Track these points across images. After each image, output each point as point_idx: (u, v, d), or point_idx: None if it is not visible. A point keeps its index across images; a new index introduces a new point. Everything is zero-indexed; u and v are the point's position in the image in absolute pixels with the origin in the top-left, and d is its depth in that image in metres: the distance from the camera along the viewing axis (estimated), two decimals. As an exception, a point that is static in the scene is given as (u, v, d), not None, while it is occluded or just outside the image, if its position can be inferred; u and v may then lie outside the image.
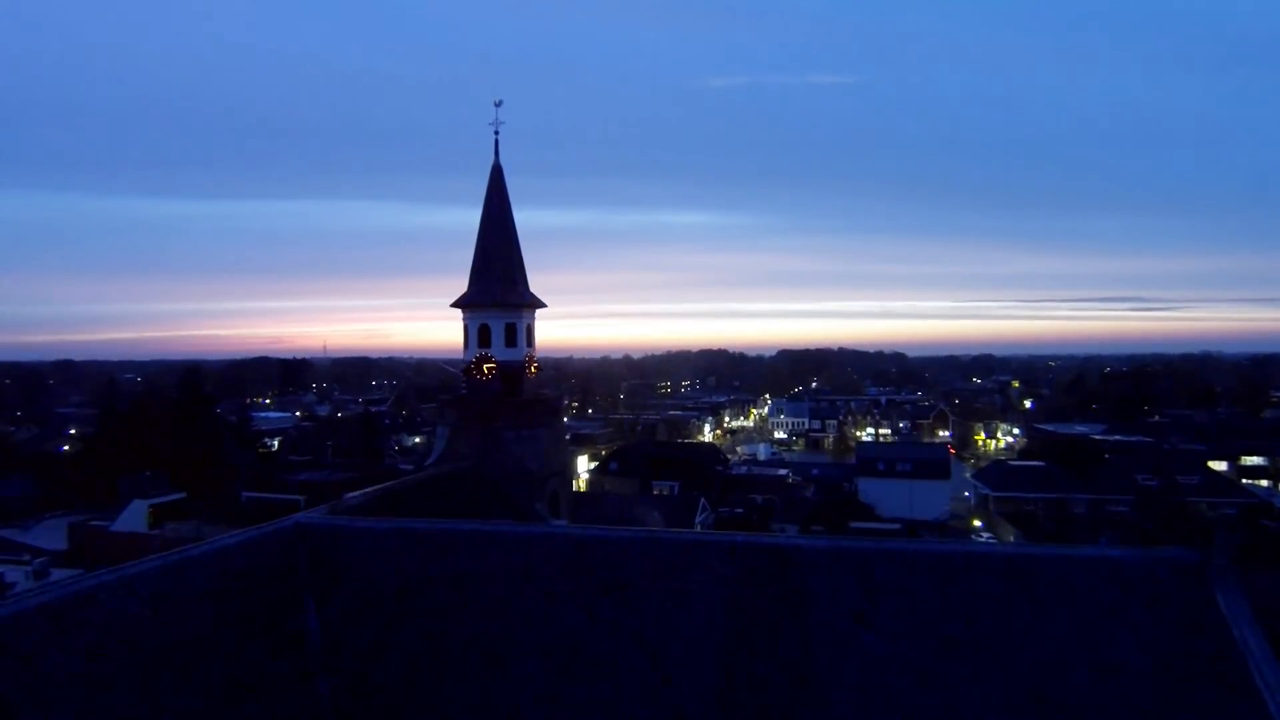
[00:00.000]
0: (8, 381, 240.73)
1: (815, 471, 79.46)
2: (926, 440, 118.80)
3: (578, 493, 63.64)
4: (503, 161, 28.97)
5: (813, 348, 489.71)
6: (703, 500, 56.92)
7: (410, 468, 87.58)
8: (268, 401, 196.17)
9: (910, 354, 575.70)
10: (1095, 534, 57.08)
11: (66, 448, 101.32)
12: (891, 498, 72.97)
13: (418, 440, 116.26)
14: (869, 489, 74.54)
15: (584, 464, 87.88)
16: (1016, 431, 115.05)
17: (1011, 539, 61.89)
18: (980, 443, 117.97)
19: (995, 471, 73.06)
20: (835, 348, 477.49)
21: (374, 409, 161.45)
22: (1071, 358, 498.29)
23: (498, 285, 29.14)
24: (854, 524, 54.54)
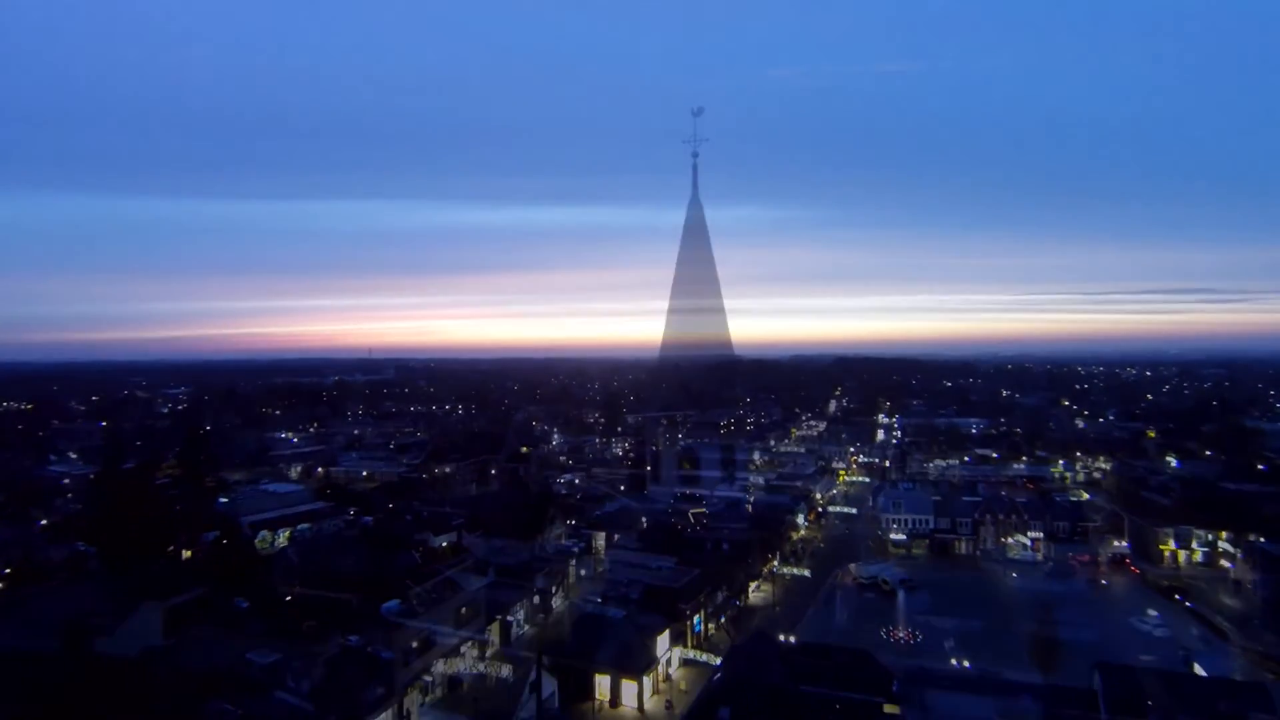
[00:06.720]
0: (27, 404, 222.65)
1: (1026, 701, 50.12)
2: (1100, 552, 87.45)
3: None
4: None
5: (869, 353, 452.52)
6: None
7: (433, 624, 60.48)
8: (295, 439, 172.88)
9: (967, 352, 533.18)
10: None
11: (10, 570, 77.54)
12: (1174, 774, 43.33)
13: (444, 544, 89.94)
14: (1133, 753, 44.76)
15: (664, 648, 59.16)
16: (1228, 550, 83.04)
17: None
18: (1169, 554, 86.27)
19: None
20: (892, 354, 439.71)
21: (404, 467, 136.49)
22: (1149, 360, 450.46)
23: None
24: None
